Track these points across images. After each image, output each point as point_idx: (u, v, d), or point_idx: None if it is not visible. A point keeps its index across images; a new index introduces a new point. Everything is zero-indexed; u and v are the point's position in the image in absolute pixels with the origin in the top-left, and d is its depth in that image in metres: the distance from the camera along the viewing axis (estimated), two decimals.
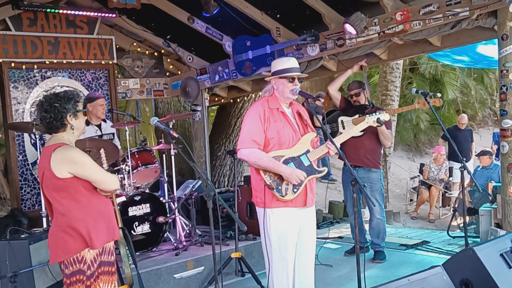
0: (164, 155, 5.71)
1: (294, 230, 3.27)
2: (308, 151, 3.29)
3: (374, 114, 3.51)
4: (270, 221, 3.23)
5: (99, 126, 5.39)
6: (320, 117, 3.73)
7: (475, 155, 8.83)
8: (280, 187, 3.20)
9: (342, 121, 5.07)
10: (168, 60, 7.63)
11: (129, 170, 4.88)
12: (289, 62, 3.32)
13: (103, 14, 6.29)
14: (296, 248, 3.28)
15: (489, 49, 6.35)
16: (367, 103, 5.06)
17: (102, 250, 2.84)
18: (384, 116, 3.53)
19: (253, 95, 8.10)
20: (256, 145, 3.20)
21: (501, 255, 2.95)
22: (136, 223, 4.72)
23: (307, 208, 3.33)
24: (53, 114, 2.76)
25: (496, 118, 14.90)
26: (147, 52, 7.41)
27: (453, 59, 7.85)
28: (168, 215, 4.98)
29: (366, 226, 5.38)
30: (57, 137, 2.83)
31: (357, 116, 4.91)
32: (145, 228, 4.77)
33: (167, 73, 7.66)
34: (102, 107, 5.35)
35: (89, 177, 2.76)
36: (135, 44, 7.30)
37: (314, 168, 3.30)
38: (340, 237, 6.23)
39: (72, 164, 2.71)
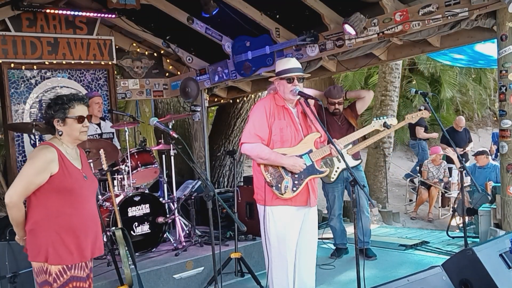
0: (163, 156, 5.70)
1: (293, 229, 3.27)
2: (310, 151, 3.30)
3: (380, 118, 3.49)
4: (269, 220, 3.24)
5: (98, 124, 5.41)
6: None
7: (472, 155, 8.82)
8: (279, 185, 3.21)
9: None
10: (168, 60, 7.62)
11: (128, 170, 4.89)
12: (289, 63, 3.33)
13: (102, 15, 6.28)
14: (297, 248, 3.29)
15: (487, 47, 6.35)
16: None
17: (71, 265, 2.59)
18: (392, 121, 3.51)
19: (252, 96, 8.10)
20: (259, 140, 3.22)
21: (501, 255, 2.95)
22: (136, 223, 4.72)
23: (307, 208, 3.33)
24: (44, 117, 2.69)
25: (495, 118, 14.90)
26: (146, 52, 7.40)
27: (452, 58, 7.84)
28: (167, 216, 4.98)
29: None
30: (50, 139, 2.71)
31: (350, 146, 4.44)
32: (144, 228, 4.77)
33: (167, 74, 7.65)
34: (98, 105, 5.35)
35: None
36: (134, 44, 7.29)
37: (316, 168, 3.31)
38: None
39: None
